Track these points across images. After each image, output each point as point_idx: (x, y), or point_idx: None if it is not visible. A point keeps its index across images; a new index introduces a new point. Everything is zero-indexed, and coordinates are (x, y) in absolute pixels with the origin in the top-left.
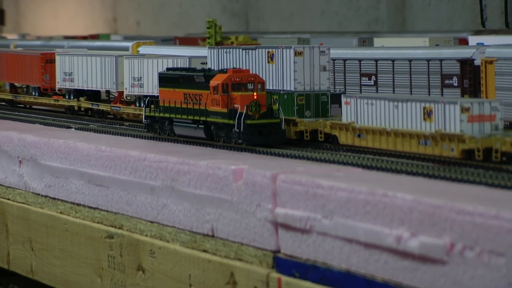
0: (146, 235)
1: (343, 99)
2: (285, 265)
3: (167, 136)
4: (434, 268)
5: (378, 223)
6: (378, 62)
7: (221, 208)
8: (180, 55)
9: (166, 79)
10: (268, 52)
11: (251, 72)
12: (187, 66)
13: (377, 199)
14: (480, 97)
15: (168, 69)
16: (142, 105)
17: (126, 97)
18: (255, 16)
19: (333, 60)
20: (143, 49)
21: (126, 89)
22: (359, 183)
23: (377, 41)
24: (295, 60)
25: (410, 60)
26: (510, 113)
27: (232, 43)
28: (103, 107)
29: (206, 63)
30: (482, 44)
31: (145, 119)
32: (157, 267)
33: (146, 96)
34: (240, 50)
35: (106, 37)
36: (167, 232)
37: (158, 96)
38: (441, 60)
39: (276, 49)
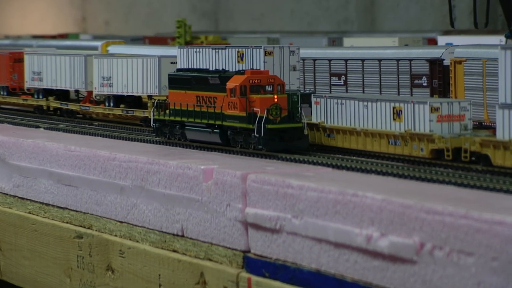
0: (116, 235)
1: (313, 99)
2: (255, 265)
3: (177, 141)
4: (404, 268)
5: (348, 223)
6: (348, 62)
7: (191, 208)
8: (150, 55)
9: (177, 81)
10: (238, 51)
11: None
12: (201, 67)
13: (347, 198)
14: (449, 97)
15: (178, 69)
16: (112, 104)
17: (95, 96)
18: (225, 16)
19: (303, 59)
20: (112, 49)
21: (95, 88)
22: (329, 183)
23: (347, 41)
24: (265, 60)
25: (379, 60)
26: (479, 113)
27: (202, 42)
28: (72, 106)
29: (176, 62)
30: (451, 44)
31: (153, 122)
32: (127, 267)
33: (115, 96)
34: (210, 49)
35: (75, 36)
36: (137, 232)
37: (164, 97)
38: (410, 60)
39: (246, 49)
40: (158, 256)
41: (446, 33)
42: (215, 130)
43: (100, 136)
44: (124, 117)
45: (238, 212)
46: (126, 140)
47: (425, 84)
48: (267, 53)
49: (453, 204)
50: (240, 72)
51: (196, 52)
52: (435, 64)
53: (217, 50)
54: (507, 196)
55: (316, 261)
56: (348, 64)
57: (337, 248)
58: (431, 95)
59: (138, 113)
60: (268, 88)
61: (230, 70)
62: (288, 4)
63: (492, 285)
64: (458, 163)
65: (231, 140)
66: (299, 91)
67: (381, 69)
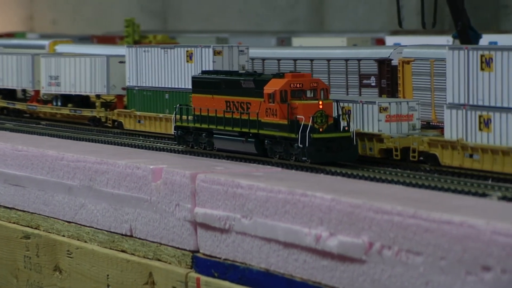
0: (64, 235)
1: None
2: (204, 265)
3: (203, 150)
4: (353, 267)
5: (297, 223)
6: (296, 62)
7: (139, 208)
8: (98, 54)
9: (202, 84)
10: (187, 51)
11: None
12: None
13: (296, 198)
14: (397, 97)
15: (203, 71)
16: (59, 104)
17: (43, 96)
18: (173, 15)
19: (252, 59)
20: (60, 48)
21: (43, 88)
22: (278, 182)
23: (296, 41)
24: (214, 60)
25: (328, 60)
26: (427, 113)
27: (151, 42)
28: (19, 106)
29: (124, 62)
30: (399, 45)
31: (175, 129)
32: (75, 267)
33: (63, 95)
34: (159, 49)
35: (22, 35)
36: (85, 232)
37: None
38: (359, 60)
39: (195, 48)
40: (106, 256)
41: (394, 33)
42: (249, 139)
43: (48, 136)
44: (72, 117)
45: (187, 212)
46: (74, 139)
47: (373, 84)
48: (216, 53)
49: (401, 203)
50: (279, 75)
51: (145, 51)
52: (384, 64)
53: (166, 50)
54: (455, 196)
55: (265, 261)
56: (297, 64)
57: (286, 248)
58: (380, 95)
59: (86, 112)
60: (309, 93)
61: (179, 70)
62: (236, 4)
63: (440, 284)
64: (406, 162)
65: (269, 150)
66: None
67: (330, 69)
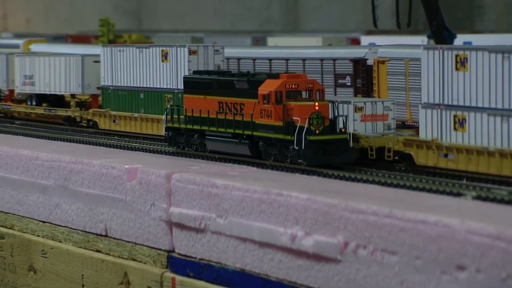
0: (38, 235)
1: None
2: (179, 264)
3: (194, 151)
4: (328, 267)
5: (272, 222)
6: (272, 61)
7: (115, 208)
8: (73, 53)
9: (194, 84)
10: (162, 50)
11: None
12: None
13: (271, 198)
14: (372, 96)
15: (195, 72)
16: (34, 103)
17: (17, 95)
18: (148, 15)
19: (228, 59)
20: (34, 47)
21: (17, 87)
22: (254, 182)
23: (271, 41)
24: (189, 59)
25: (303, 60)
26: (402, 113)
27: (125, 41)
28: None
29: (99, 61)
30: (374, 44)
31: (166, 131)
32: (49, 267)
33: (38, 95)
34: (134, 48)
35: None
36: (60, 232)
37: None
38: (334, 59)
39: (170, 48)
40: (81, 256)
41: (369, 33)
42: (243, 141)
43: (22, 135)
44: (47, 116)
45: (162, 211)
46: (49, 139)
47: (349, 83)
48: (191, 52)
49: (377, 203)
50: (274, 76)
51: (120, 51)
52: (359, 64)
53: (141, 49)
54: (430, 195)
55: (240, 261)
56: (272, 64)
57: (262, 248)
58: (355, 95)
59: (61, 112)
60: (304, 94)
61: (154, 69)
62: (211, 3)
63: (415, 284)
64: (381, 162)
65: (263, 152)
66: None
67: (305, 69)
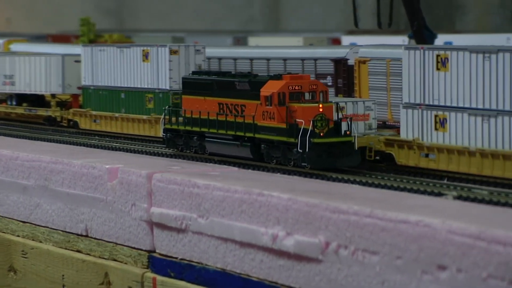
0: (18, 235)
1: None
2: (160, 264)
3: (193, 154)
4: (309, 267)
5: (253, 222)
6: (253, 61)
7: (95, 208)
8: (53, 53)
9: (193, 85)
10: (143, 50)
11: None
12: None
13: (252, 198)
14: (354, 96)
15: (194, 72)
16: (14, 103)
17: None
18: (129, 14)
19: (209, 58)
20: (15, 47)
21: None
22: (235, 182)
23: (252, 40)
24: (170, 59)
25: (285, 59)
26: (383, 113)
27: (106, 41)
28: None
29: (80, 61)
30: (355, 44)
31: (164, 132)
32: (30, 267)
33: (18, 94)
34: (115, 48)
35: None
36: (40, 232)
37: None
38: (315, 59)
39: (151, 48)
40: (61, 257)
41: (350, 33)
42: (244, 143)
43: (2, 135)
44: (27, 116)
45: (143, 211)
46: (29, 139)
47: (330, 83)
48: (172, 52)
49: (358, 203)
50: (276, 77)
51: (100, 50)
52: (340, 63)
53: (122, 49)
54: (411, 195)
55: (221, 261)
56: (253, 63)
57: (243, 248)
58: (336, 95)
59: (41, 112)
60: (308, 96)
61: (135, 69)
62: (192, 3)
63: (396, 284)
64: (363, 162)
65: (265, 155)
66: None
67: (286, 69)
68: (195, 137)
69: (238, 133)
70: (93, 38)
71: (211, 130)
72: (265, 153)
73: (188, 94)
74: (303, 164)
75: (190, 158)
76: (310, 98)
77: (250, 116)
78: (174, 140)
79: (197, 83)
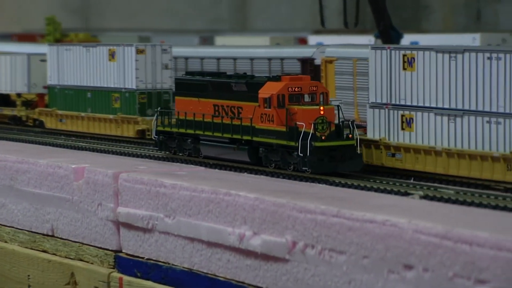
0: None
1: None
2: (127, 264)
3: (187, 157)
4: (276, 267)
5: (220, 222)
6: (220, 61)
7: (61, 208)
8: (19, 52)
9: (186, 86)
10: (109, 49)
11: None
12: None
13: (219, 197)
14: None
15: (187, 73)
16: None
17: None
18: (96, 13)
19: (175, 58)
20: None
21: None
22: (202, 181)
23: (219, 40)
24: (136, 58)
25: (251, 59)
26: (349, 112)
27: (72, 40)
28: None
29: (46, 60)
30: (321, 44)
31: (156, 134)
32: None
33: None
34: (81, 47)
35: None
36: (5, 232)
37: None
38: (282, 59)
39: (118, 47)
40: (27, 257)
41: (317, 32)
42: (241, 147)
43: None
44: None
45: (109, 211)
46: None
47: None
48: (139, 51)
49: (325, 202)
50: (275, 78)
51: (66, 50)
52: (307, 63)
53: (88, 48)
54: (377, 195)
55: (188, 260)
56: (220, 63)
57: (210, 247)
58: None
59: (7, 111)
60: (307, 98)
61: (101, 68)
62: (160, 2)
63: (363, 283)
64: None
65: (264, 159)
66: (171, 89)
67: (253, 68)
68: (189, 140)
69: (235, 136)
70: (59, 37)
71: (206, 133)
72: (263, 157)
73: (181, 96)
74: (303, 168)
75: (183, 161)
76: (310, 100)
77: (247, 119)
78: (167, 142)
79: (190, 84)
